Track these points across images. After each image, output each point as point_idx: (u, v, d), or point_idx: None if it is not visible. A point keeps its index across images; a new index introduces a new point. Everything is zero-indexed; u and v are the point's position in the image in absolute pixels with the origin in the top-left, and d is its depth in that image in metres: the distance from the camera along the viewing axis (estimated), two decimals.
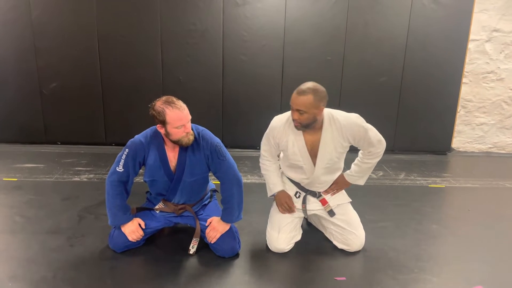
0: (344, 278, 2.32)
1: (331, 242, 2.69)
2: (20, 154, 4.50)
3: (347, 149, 2.55)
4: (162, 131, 2.34)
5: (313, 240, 2.75)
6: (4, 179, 3.72)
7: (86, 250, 2.52)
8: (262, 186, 3.68)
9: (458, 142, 5.21)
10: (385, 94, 4.79)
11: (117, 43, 4.59)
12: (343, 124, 2.42)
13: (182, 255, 2.50)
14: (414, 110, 4.87)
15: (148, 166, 2.44)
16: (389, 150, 4.95)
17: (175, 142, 2.34)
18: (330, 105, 2.48)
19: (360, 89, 4.76)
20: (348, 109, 4.67)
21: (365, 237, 2.63)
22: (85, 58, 4.62)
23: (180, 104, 2.34)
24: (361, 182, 2.69)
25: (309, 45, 4.61)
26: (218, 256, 2.50)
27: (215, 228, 2.49)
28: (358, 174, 2.65)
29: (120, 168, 2.39)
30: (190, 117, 2.34)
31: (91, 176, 3.85)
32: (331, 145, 2.45)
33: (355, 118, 2.46)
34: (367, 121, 2.52)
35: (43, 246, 2.56)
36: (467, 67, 4.90)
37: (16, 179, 3.72)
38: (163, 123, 2.29)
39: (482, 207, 3.45)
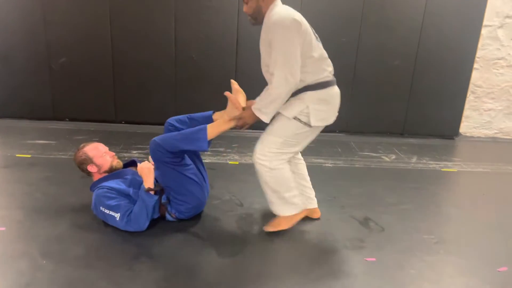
0: (374, 259, 2.36)
1: (355, 224, 2.73)
2: (28, 130, 4.41)
3: None
4: (94, 169, 2.62)
5: (338, 222, 2.78)
6: (17, 155, 3.66)
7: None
8: None
9: (465, 127, 5.27)
10: (397, 77, 4.79)
11: (130, 18, 4.48)
12: (271, 21, 2.20)
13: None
14: (425, 95, 4.89)
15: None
16: (398, 133, 5.03)
17: (111, 171, 2.63)
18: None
19: (373, 72, 4.75)
20: (361, 91, 4.76)
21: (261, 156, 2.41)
22: (96, 33, 4.51)
23: (91, 142, 2.73)
24: (261, 114, 2.32)
25: (325, 26, 4.54)
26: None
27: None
28: (260, 101, 2.35)
29: (118, 212, 2.42)
30: (107, 148, 2.71)
31: None
32: (265, 43, 2.31)
33: (278, 17, 2.16)
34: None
35: (71, 224, 2.54)
36: (478, 53, 4.91)
37: (30, 156, 3.66)
38: (90, 161, 2.60)
39: (496, 191, 3.51)
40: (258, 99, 2.34)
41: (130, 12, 4.46)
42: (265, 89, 2.40)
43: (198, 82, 4.57)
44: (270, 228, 2.58)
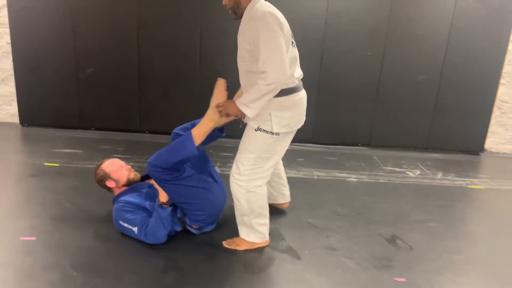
0: (404, 280, 2.32)
1: (382, 242, 2.70)
2: (55, 139, 4.50)
3: (252, 52, 2.21)
4: (112, 184, 2.67)
5: (365, 239, 2.75)
6: (45, 163, 3.73)
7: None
8: (302, 181, 3.71)
9: (491, 142, 5.17)
10: (422, 91, 4.74)
11: (156, 30, 4.55)
12: (252, 15, 2.19)
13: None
14: (450, 109, 4.82)
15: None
16: (422, 148, 4.96)
17: (129, 184, 2.68)
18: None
19: (397, 86, 4.71)
20: (385, 105, 4.73)
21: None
22: (123, 45, 4.59)
23: (108, 159, 2.78)
24: (244, 109, 2.23)
25: (350, 39, 4.55)
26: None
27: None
28: (246, 96, 2.24)
29: (135, 226, 2.45)
30: (123, 162, 2.76)
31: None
32: (241, 36, 2.29)
33: (260, 13, 2.13)
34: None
35: (99, 234, 2.57)
36: (505, 68, 4.83)
37: (57, 164, 3.73)
38: (107, 176, 2.66)
39: None
40: (244, 95, 2.25)
41: (157, 24, 4.53)
42: (252, 86, 2.22)
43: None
44: (228, 245, 2.53)
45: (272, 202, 2.95)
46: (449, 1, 4.43)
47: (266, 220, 2.52)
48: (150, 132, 4.88)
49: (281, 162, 2.83)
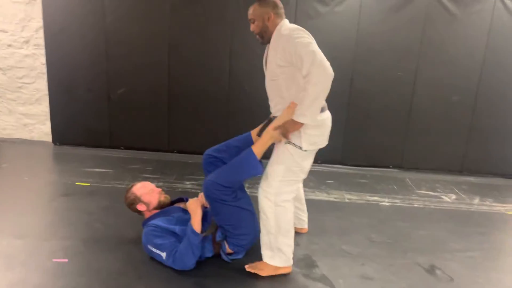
0: None
1: (421, 272, 2.58)
2: (86, 158, 4.56)
3: (287, 67, 2.29)
4: (143, 207, 2.63)
5: (402, 268, 2.64)
6: (77, 183, 3.77)
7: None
8: (334, 204, 3.62)
9: None
10: (456, 113, 4.61)
11: (187, 51, 4.61)
12: (281, 34, 2.31)
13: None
14: (486, 131, 4.66)
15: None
16: (456, 170, 4.80)
17: (160, 207, 2.65)
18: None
19: (430, 107, 4.60)
20: (417, 126, 4.62)
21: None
22: (154, 66, 4.67)
23: (139, 182, 2.75)
24: (302, 119, 2.23)
25: (380, 60, 4.49)
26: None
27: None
28: (299, 106, 2.24)
29: (164, 251, 2.42)
30: (154, 185, 2.72)
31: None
32: (272, 55, 2.37)
33: (289, 30, 2.28)
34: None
35: (131, 257, 2.54)
36: None
37: (89, 184, 3.76)
38: (138, 200, 2.62)
39: None
40: (298, 106, 2.25)
41: (188, 45, 4.59)
42: (300, 95, 2.24)
43: (250, 114, 4.59)
44: (251, 268, 2.47)
45: None
46: (484, 20, 4.34)
47: (291, 240, 2.46)
48: (179, 152, 4.89)
49: (301, 186, 2.86)
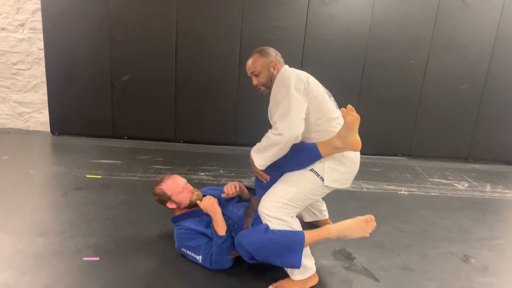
0: None
1: (456, 261, 2.59)
2: (90, 148, 4.37)
3: None
4: (173, 206, 2.48)
5: (438, 258, 2.64)
6: (87, 176, 3.60)
7: None
8: (353, 194, 3.57)
9: None
10: (465, 101, 4.65)
11: (195, 39, 4.44)
12: (277, 79, 2.22)
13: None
14: (493, 119, 4.73)
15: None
16: (463, 158, 4.86)
17: (191, 207, 2.49)
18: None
19: (440, 95, 4.62)
20: (426, 115, 4.63)
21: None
22: (161, 53, 4.48)
23: (170, 176, 2.54)
24: (257, 159, 2.19)
25: (393, 47, 4.46)
26: None
27: None
28: (258, 144, 2.21)
29: (199, 254, 2.33)
30: (185, 180, 2.53)
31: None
32: (273, 108, 2.23)
33: (283, 76, 2.17)
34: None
35: (165, 254, 2.43)
36: None
37: (100, 176, 3.60)
38: (169, 198, 2.46)
39: None
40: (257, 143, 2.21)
41: (196, 33, 4.43)
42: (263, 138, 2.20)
43: (259, 104, 4.48)
44: None
45: (311, 220, 2.87)
46: (495, 10, 4.35)
47: (307, 250, 2.24)
48: (185, 142, 4.75)
49: None
